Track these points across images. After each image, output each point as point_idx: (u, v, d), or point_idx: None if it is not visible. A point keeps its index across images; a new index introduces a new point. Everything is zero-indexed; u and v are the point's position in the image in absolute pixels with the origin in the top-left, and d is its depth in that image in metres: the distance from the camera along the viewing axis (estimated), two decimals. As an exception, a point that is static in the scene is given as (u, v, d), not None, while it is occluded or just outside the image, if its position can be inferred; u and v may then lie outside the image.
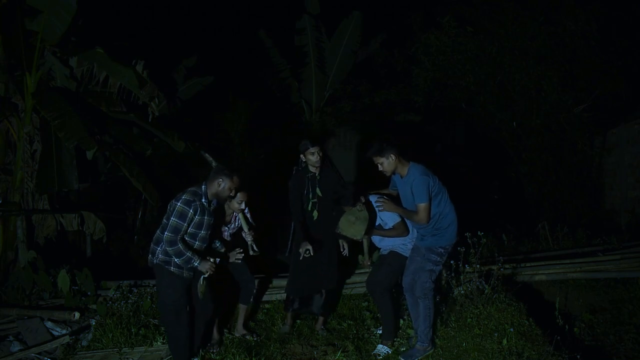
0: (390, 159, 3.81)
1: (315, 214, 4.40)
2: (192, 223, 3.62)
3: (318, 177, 4.42)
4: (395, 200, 4.07)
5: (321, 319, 4.59)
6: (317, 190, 4.39)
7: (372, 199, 4.16)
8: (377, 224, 4.21)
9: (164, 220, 3.68)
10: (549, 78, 8.45)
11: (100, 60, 6.30)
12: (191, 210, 3.57)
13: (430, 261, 3.89)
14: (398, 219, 4.11)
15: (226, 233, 4.38)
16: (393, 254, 4.20)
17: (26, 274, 5.64)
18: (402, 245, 4.20)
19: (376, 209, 4.10)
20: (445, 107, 9.92)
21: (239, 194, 4.12)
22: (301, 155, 4.40)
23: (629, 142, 8.72)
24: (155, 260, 3.68)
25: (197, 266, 3.64)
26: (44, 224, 6.52)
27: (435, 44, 8.88)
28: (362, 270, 5.34)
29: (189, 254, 3.58)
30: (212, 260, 3.72)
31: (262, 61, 11.09)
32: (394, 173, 3.93)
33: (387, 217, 4.14)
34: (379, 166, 3.86)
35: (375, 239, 4.30)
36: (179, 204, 3.57)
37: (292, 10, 9.99)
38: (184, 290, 3.69)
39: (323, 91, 10.30)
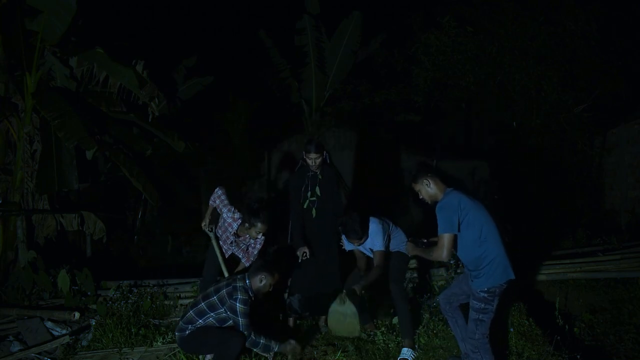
0: (425, 185, 3.36)
1: (313, 211, 4.41)
2: None
3: (320, 177, 4.43)
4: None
5: (324, 316, 4.55)
6: (317, 189, 4.41)
7: (400, 242, 4.18)
8: (368, 246, 4.18)
9: (205, 308, 3.64)
10: (549, 78, 8.45)
11: (100, 60, 6.30)
12: (248, 308, 3.65)
13: (473, 309, 3.27)
14: (380, 248, 4.05)
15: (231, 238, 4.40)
16: (397, 253, 4.23)
17: (26, 274, 5.64)
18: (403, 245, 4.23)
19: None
20: (445, 107, 9.92)
21: (260, 225, 4.13)
22: (303, 153, 4.41)
23: (629, 142, 8.71)
24: (188, 331, 3.67)
25: (277, 350, 3.69)
26: (44, 224, 6.52)
27: (435, 44, 8.87)
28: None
29: (263, 341, 3.63)
30: (292, 342, 3.74)
31: (262, 61, 11.07)
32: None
33: (376, 243, 4.06)
34: (419, 194, 3.44)
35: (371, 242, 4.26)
36: (238, 304, 3.59)
37: (292, 10, 9.97)
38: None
39: (323, 91, 10.28)
